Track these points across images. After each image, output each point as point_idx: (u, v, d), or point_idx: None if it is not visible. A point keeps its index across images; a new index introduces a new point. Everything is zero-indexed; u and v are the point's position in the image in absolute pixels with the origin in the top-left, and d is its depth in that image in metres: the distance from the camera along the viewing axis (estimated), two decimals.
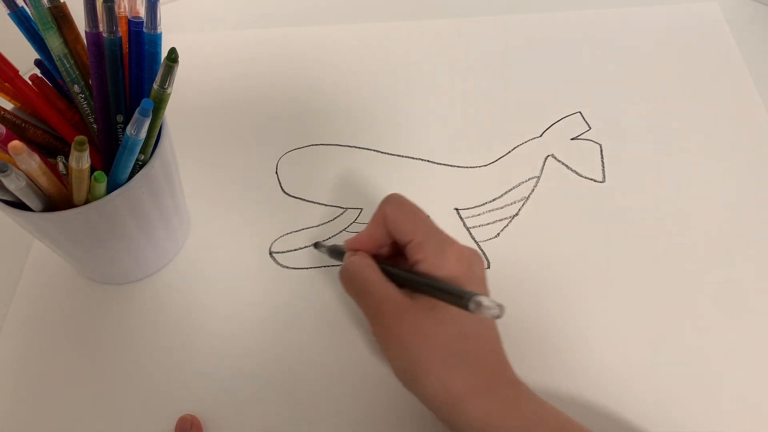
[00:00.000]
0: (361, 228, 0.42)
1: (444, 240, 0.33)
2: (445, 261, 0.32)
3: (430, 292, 0.30)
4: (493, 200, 0.43)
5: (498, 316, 0.26)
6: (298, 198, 0.44)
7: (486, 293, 0.33)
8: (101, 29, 0.31)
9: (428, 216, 0.34)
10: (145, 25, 0.31)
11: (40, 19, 0.30)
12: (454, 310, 0.30)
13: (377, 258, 0.35)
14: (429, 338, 0.30)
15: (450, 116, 0.48)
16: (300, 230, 0.43)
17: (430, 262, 0.32)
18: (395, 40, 0.54)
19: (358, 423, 0.35)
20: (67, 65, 0.32)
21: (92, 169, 0.30)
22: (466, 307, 0.27)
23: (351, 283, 0.34)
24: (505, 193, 0.44)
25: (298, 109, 0.49)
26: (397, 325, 0.31)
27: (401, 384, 0.32)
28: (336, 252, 0.38)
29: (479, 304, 0.26)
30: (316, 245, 0.41)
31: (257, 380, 0.37)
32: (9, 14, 0.31)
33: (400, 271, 0.33)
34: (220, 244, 0.42)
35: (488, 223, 0.42)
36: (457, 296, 0.28)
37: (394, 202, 0.34)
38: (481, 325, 0.31)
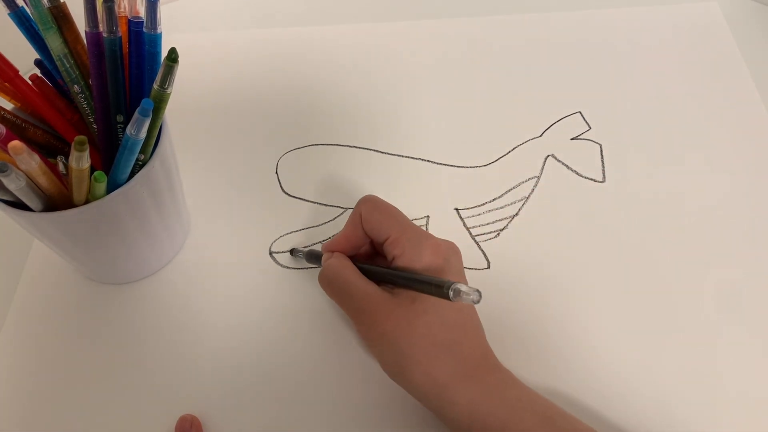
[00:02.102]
0: None
1: (420, 234, 0.34)
2: (422, 254, 0.32)
3: (408, 284, 0.31)
4: (493, 200, 0.43)
5: (476, 302, 0.27)
6: (298, 198, 0.44)
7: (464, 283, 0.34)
8: (101, 29, 0.31)
9: (403, 214, 0.35)
10: (145, 25, 0.31)
11: (40, 19, 0.30)
12: (434, 301, 0.31)
13: (355, 258, 0.36)
14: (413, 330, 0.31)
15: (450, 116, 0.48)
16: (300, 230, 0.43)
17: (407, 257, 0.33)
18: (395, 40, 0.54)
19: (358, 422, 0.35)
20: (67, 65, 0.32)
21: (92, 169, 0.30)
22: (445, 296, 0.28)
23: (331, 286, 0.35)
24: (505, 193, 0.44)
25: (298, 109, 0.49)
26: (380, 321, 0.32)
27: (390, 378, 0.33)
28: (313, 256, 0.39)
29: (458, 292, 0.27)
30: (293, 252, 0.41)
31: (257, 380, 0.37)
32: (9, 14, 0.31)
33: (377, 268, 0.34)
34: (220, 244, 0.42)
35: (488, 223, 0.42)
36: (435, 286, 0.29)
37: (368, 202, 0.35)
38: (462, 314, 0.32)
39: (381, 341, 0.32)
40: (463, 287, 0.27)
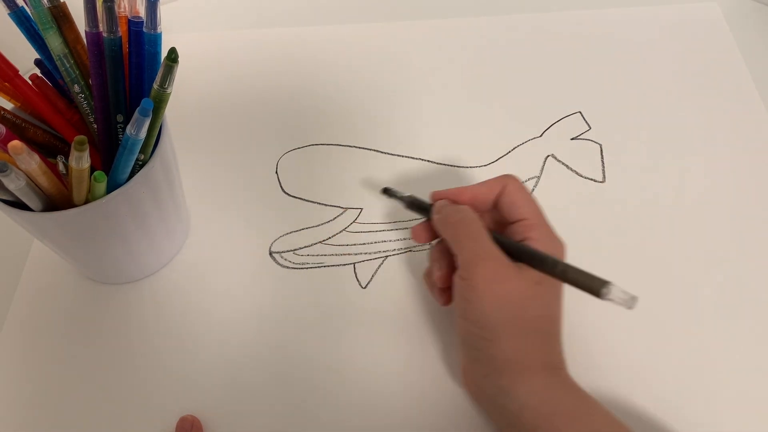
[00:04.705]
0: (362, 228, 0.42)
1: (552, 231, 0.34)
2: (555, 249, 0.33)
3: (551, 269, 0.31)
4: None
5: (630, 307, 0.26)
6: (298, 198, 0.44)
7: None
8: (101, 29, 0.31)
9: None
10: (145, 24, 0.31)
11: (40, 19, 0.30)
12: (555, 294, 0.32)
13: None
14: (526, 308, 0.31)
15: (450, 116, 0.48)
16: (300, 230, 0.43)
17: (541, 245, 0.32)
18: (395, 40, 0.54)
19: (358, 422, 0.35)
20: (67, 65, 0.32)
21: (92, 169, 0.30)
22: (596, 292, 0.27)
23: (462, 227, 0.33)
24: None
25: (298, 109, 0.49)
26: (498, 280, 0.31)
27: (463, 334, 0.33)
28: (416, 205, 0.37)
29: (609, 292, 0.27)
30: (387, 190, 0.39)
31: (257, 380, 0.37)
32: (9, 14, 0.31)
33: (515, 243, 0.33)
34: (220, 244, 0.42)
35: None
36: (588, 279, 0.28)
37: (517, 180, 0.35)
38: (557, 319, 0.33)
39: (488, 299, 0.31)
40: (617, 288, 0.27)
